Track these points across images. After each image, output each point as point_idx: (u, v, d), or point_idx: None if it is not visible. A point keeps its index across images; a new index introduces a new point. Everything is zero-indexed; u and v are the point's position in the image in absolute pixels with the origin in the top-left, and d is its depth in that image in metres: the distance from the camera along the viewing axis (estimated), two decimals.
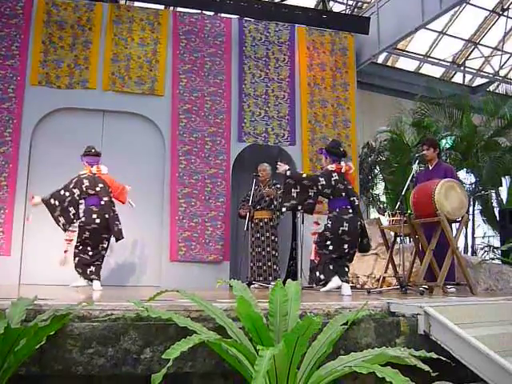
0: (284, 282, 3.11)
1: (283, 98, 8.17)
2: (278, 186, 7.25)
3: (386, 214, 9.12)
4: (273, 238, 7.05)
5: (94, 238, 5.62)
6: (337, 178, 5.21)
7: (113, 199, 5.83)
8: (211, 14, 8.52)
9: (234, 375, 2.86)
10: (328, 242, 5.12)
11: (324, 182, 5.16)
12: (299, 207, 5.26)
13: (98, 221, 5.58)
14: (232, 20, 8.30)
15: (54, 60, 7.50)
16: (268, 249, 7.01)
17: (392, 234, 6.25)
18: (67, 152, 7.22)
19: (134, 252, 7.24)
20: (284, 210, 5.29)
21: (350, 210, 5.16)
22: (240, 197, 7.45)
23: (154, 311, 2.73)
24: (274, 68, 8.24)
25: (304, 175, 5.37)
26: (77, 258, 5.64)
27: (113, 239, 5.81)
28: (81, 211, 5.68)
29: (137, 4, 8.43)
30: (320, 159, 8.03)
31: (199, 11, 8.45)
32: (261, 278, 6.93)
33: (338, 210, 5.17)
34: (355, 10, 11.21)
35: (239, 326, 2.84)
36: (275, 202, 7.05)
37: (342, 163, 5.34)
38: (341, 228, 5.06)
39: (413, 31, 8.63)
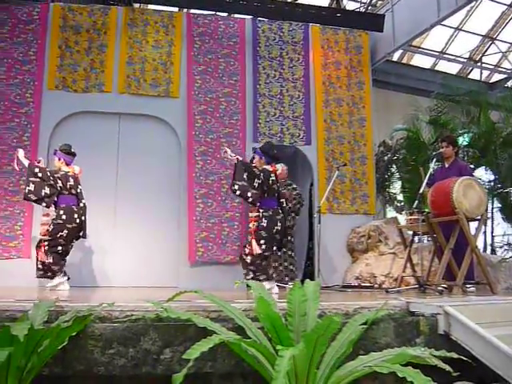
0: (301, 283, 3.11)
1: (298, 98, 8.16)
2: (294, 186, 7.25)
3: (403, 213, 9.11)
4: (289, 238, 7.04)
5: (69, 237, 5.74)
6: (274, 178, 5.35)
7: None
8: (225, 15, 8.55)
9: (254, 375, 2.87)
10: (262, 241, 5.18)
11: (263, 179, 5.25)
12: (249, 194, 5.20)
13: (78, 221, 5.74)
14: (245, 20, 8.30)
15: (70, 64, 7.58)
16: (284, 249, 6.99)
17: (410, 233, 6.22)
18: (84, 155, 7.26)
19: (151, 253, 7.28)
20: (236, 187, 5.22)
21: (280, 211, 5.32)
22: None
23: (174, 312, 2.75)
24: (289, 68, 8.23)
25: (253, 165, 5.45)
26: (52, 256, 5.63)
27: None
28: (60, 210, 5.72)
29: (151, 7, 8.47)
30: (335, 158, 8.09)
31: (213, 12, 8.46)
32: (278, 279, 6.91)
33: (272, 210, 5.29)
34: (369, 7, 11.14)
35: (258, 326, 2.85)
36: (290, 204, 7.04)
37: (278, 166, 5.51)
38: (275, 227, 5.21)
39: (428, 28, 8.54)
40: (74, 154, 6.07)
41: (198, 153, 7.60)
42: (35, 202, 5.78)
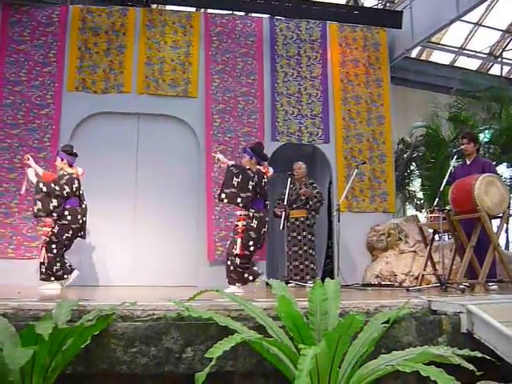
0: (321, 281, 3.10)
1: (316, 96, 8.13)
2: (315, 184, 7.23)
3: (423, 210, 9.03)
4: (309, 236, 7.03)
5: (72, 238, 5.81)
6: (266, 180, 5.34)
7: None
8: (242, 14, 8.55)
9: (275, 374, 2.87)
10: (251, 242, 5.13)
11: (257, 181, 5.21)
12: (238, 200, 5.14)
13: (80, 221, 5.82)
14: (263, 19, 8.30)
15: (89, 65, 7.66)
16: (305, 248, 6.99)
17: (430, 231, 6.16)
18: (104, 155, 7.39)
19: (171, 252, 7.32)
20: (223, 196, 5.17)
21: (266, 213, 5.33)
22: (275, 196, 7.45)
23: (195, 311, 2.77)
24: (307, 66, 8.21)
25: (247, 167, 5.38)
26: (57, 257, 5.69)
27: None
28: (65, 211, 5.77)
29: (168, 7, 8.52)
30: (354, 156, 8.05)
31: (230, 12, 8.49)
32: (298, 278, 6.92)
33: (262, 211, 5.27)
34: (387, 4, 11.05)
35: (279, 324, 2.85)
36: (310, 202, 7.03)
37: (270, 168, 5.48)
38: (263, 229, 5.20)
39: (447, 24, 8.45)
40: (75, 155, 6.15)
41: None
42: (46, 217, 5.83)
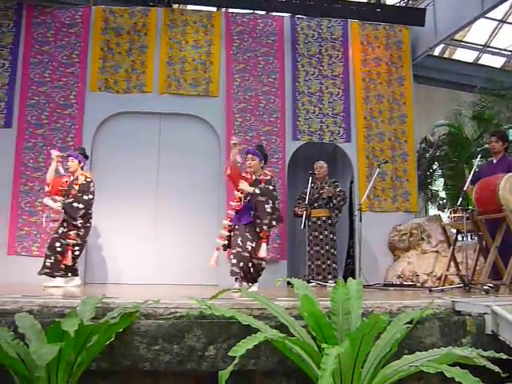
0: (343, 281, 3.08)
1: (338, 95, 8.09)
2: (337, 183, 7.20)
3: (446, 210, 8.92)
4: (331, 236, 7.00)
5: None
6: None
7: None
8: (263, 13, 8.54)
9: (296, 373, 2.87)
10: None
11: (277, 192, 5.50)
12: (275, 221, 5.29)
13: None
14: (284, 18, 8.28)
15: (112, 66, 7.73)
16: (327, 247, 6.96)
17: (453, 231, 6.08)
18: (126, 155, 7.47)
19: (192, 251, 7.35)
20: (274, 223, 5.26)
21: None
22: (295, 195, 7.44)
23: (218, 309, 2.78)
24: (328, 65, 8.17)
25: (258, 172, 5.46)
26: (76, 261, 5.90)
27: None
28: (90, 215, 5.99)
29: (190, 7, 8.56)
30: (376, 155, 7.99)
31: (251, 11, 8.50)
32: (319, 277, 6.90)
33: None
34: (410, 1, 10.95)
35: (301, 324, 2.84)
36: (334, 201, 7.00)
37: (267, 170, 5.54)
38: None
39: (471, 21, 8.34)
40: (87, 157, 6.36)
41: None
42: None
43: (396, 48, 8.49)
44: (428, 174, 9.35)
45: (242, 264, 5.03)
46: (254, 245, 5.14)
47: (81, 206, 5.78)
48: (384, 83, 8.33)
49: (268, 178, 5.37)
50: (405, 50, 8.53)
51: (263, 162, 5.49)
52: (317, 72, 8.13)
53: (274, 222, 5.21)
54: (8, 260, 6.95)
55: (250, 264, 5.14)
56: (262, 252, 5.15)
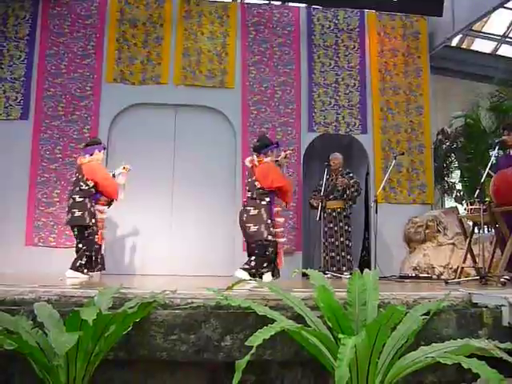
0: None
1: (354, 86, 8.04)
2: (351, 174, 7.17)
3: (462, 202, 8.83)
4: (346, 227, 7.00)
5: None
6: (247, 172, 5.55)
7: (83, 187, 5.72)
8: (279, 3, 8.50)
9: (312, 364, 2.87)
10: None
11: None
12: None
13: (66, 209, 5.83)
14: (300, 9, 8.23)
15: (127, 57, 7.76)
16: (341, 239, 6.96)
17: (470, 223, 6.03)
18: (142, 146, 7.50)
19: (207, 243, 7.39)
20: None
21: (244, 204, 5.43)
22: (311, 187, 7.42)
23: (234, 300, 2.78)
24: (344, 56, 8.12)
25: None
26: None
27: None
28: None
29: None
30: (392, 147, 7.96)
31: (267, 2, 8.46)
32: (334, 269, 6.90)
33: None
34: None
35: (317, 315, 2.84)
36: (348, 192, 6.98)
37: (255, 157, 5.48)
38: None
39: (490, 11, 8.20)
40: (86, 145, 6.24)
41: (252, 143, 7.57)
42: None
43: (413, 38, 8.40)
44: (444, 165, 9.26)
45: None
46: None
47: None
48: (401, 74, 8.26)
49: None
50: (422, 41, 8.44)
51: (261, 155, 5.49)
52: (333, 63, 8.09)
53: None
54: (26, 250, 7.04)
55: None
56: None
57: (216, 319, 2.93)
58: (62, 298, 3.09)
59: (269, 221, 5.21)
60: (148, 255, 7.32)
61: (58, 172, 7.30)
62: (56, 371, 2.53)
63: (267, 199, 5.27)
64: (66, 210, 5.80)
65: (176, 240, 7.40)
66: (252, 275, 4.99)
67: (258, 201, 5.24)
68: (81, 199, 5.66)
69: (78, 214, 5.61)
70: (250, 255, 5.28)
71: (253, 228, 5.15)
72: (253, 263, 5.13)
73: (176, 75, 7.76)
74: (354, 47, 8.17)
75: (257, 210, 5.20)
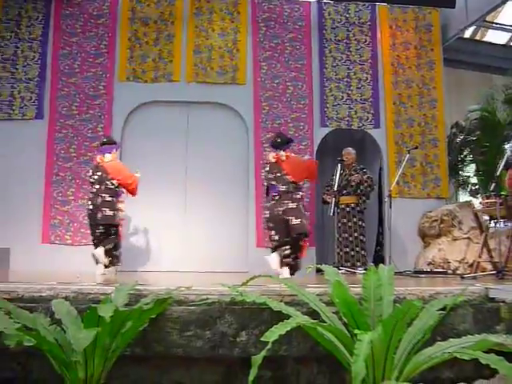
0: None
1: (366, 80, 7.99)
2: (365, 169, 7.14)
3: (477, 196, 8.76)
4: (360, 223, 6.96)
5: (91, 223, 5.96)
6: (268, 168, 5.55)
7: (110, 186, 5.95)
8: None
9: (328, 359, 2.88)
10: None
11: (263, 175, 5.66)
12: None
13: (90, 207, 5.92)
14: (311, 3, 8.19)
15: (139, 55, 7.78)
16: (355, 234, 6.93)
17: (486, 217, 5.98)
18: (155, 144, 7.53)
19: (221, 239, 7.41)
20: None
21: (276, 197, 5.33)
22: (324, 182, 7.40)
23: (249, 296, 2.80)
24: (356, 50, 8.07)
25: None
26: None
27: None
28: None
29: None
30: (405, 141, 7.90)
31: None
32: (348, 264, 6.87)
33: (266, 199, 5.57)
34: None
35: (332, 310, 2.84)
36: (361, 187, 6.95)
37: (281, 152, 5.51)
38: (264, 216, 5.48)
39: (503, 1, 8.10)
40: (102, 144, 6.37)
41: (265, 139, 7.62)
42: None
43: (425, 31, 8.32)
44: (459, 159, 9.18)
45: None
46: None
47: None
48: (413, 67, 8.18)
49: None
50: (434, 33, 8.35)
51: (275, 149, 5.60)
52: (344, 57, 8.04)
53: None
54: (42, 248, 7.11)
55: None
56: None
57: (231, 315, 2.95)
58: (80, 295, 3.13)
59: (307, 213, 5.39)
60: (162, 252, 7.36)
61: (72, 170, 7.36)
62: (74, 367, 2.57)
63: (300, 193, 5.46)
64: (91, 207, 5.90)
65: (190, 236, 7.43)
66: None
67: (293, 194, 5.34)
68: (110, 198, 5.89)
69: (109, 212, 5.82)
70: (278, 246, 5.28)
71: (295, 221, 5.19)
72: (292, 255, 5.23)
73: (188, 72, 7.77)
74: (366, 41, 8.12)
75: (295, 204, 5.29)
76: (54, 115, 7.49)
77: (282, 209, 5.22)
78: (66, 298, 3.03)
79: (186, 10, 7.95)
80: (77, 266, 6.26)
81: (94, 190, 5.96)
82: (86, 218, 6.07)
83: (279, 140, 5.62)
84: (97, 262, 5.72)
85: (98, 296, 3.09)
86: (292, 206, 5.25)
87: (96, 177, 6.00)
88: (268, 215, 5.36)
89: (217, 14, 7.98)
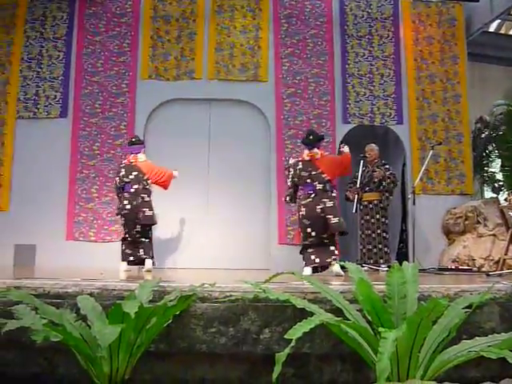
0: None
1: (388, 76, 7.91)
2: (387, 166, 7.08)
3: (502, 192, 8.62)
4: (383, 220, 6.91)
5: (128, 224, 5.98)
6: (301, 166, 5.44)
7: (147, 186, 6.09)
8: None
9: (351, 357, 2.87)
10: (300, 230, 5.43)
11: (292, 172, 5.49)
12: (287, 198, 5.65)
13: (128, 207, 5.94)
14: None
15: (161, 54, 7.83)
16: (378, 231, 6.88)
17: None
18: (177, 141, 7.57)
19: (243, 236, 7.42)
20: (288, 199, 5.64)
21: (313, 195, 5.29)
22: (346, 179, 7.35)
23: (273, 293, 2.80)
24: (378, 45, 7.99)
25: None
26: (123, 244, 6.06)
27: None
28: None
29: None
30: (428, 137, 7.81)
31: None
32: (371, 261, 6.83)
33: (300, 197, 5.43)
34: None
35: (356, 308, 2.82)
36: (384, 183, 6.90)
37: (316, 150, 5.46)
38: (300, 213, 5.35)
39: None
40: (132, 143, 6.37)
41: (287, 136, 7.62)
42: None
43: (449, 25, 8.20)
44: (484, 155, 9.04)
45: None
46: None
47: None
48: (437, 62, 8.08)
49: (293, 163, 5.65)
50: (458, 27, 8.23)
51: (308, 146, 5.56)
52: (367, 53, 7.97)
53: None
54: (67, 245, 7.22)
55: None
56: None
57: (254, 312, 2.95)
58: (104, 291, 3.16)
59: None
60: (185, 250, 7.40)
61: (96, 168, 7.45)
62: (99, 362, 2.60)
63: (335, 191, 5.51)
64: (129, 207, 5.95)
65: (212, 233, 7.45)
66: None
67: (330, 193, 5.37)
68: (148, 198, 6.06)
69: (149, 213, 5.96)
70: (316, 246, 5.30)
71: (334, 219, 5.19)
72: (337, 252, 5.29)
73: (209, 70, 7.79)
74: (388, 36, 8.03)
75: (332, 202, 5.30)
76: (78, 113, 7.60)
77: (320, 207, 5.22)
78: (90, 294, 3.07)
79: (207, 8, 7.97)
80: (100, 263, 6.35)
81: (132, 190, 6.01)
82: (121, 217, 6.03)
83: (311, 137, 5.57)
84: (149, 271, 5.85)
85: (122, 292, 3.13)
86: (330, 204, 5.26)
87: (132, 176, 6.06)
88: (304, 213, 5.31)
89: (238, 12, 7.99)
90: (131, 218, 5.94)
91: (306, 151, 5.53)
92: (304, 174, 5.39)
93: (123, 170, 6.12)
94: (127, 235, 6.03)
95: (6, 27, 7.79)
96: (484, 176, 9.18)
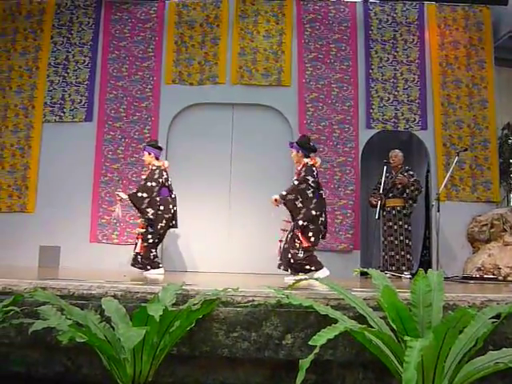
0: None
1: (413, 81, 7.84)
2: (411, 172, 7.01)
3: None
4: (406, 226, 6.84)
5: (166, 228, 6.06)
6: (316, 172, 5.53)
7: (173, 192, 6.31)
8: None
9: (374, 365, 2.83)
10: (310, 234, 5.42)
11: (312, 178, 5.44)
12: (313, 212, 5.39)
13: (172, 211, 6.07)
14: (356, 3, 8.10)
15: (185, 59, 7.89)
16: (401, 238, 6.81)
17: None
18: (200, 146, 7.62)
19: (265, 241, 7.38)
20: (301, 223, 5.40)
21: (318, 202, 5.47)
22: (370, 185, 7.31)
23: (296, 298, 2.78)
24: (403, 50, 7.93)
25: (291, 185, 5.58)
26: (152, 251, 6.01)
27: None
28: (157, 202, 6.05)
29: None
30: (453, 143, 7.70)
31: None
32: (393, 268, 6.76)
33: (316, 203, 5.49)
34: None
35: (379, 315, 2.79)
36: (407, 190, 6.83)
37: (317, 158, 5.63)
38: (321, 220, 5.46)
39: None
40: (161, 148, 6.48)
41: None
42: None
43: (476, 30, 8.10)
44: (511, 162, 8.88)
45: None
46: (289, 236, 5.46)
47: (144, 194, 6.01)
48: (462, 67, 7.98)
49: (302, 168, 5.56)
50: (485, 32, 8.12)
51: (301, 151, 5.62)
52: (391, 58, 7.92)
53: (307, 215, 5.37)
54: (91, 247, 7.31)
55: (288, 255, 5.40)
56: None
57: (277, 317, 2.94)
58: (128, 293, 3.18)
59: None
60: (207, 253, 7.41)
61: (120, 171, 7.53)
62: (123, 364, 2.62)
63: None
64: (173, 210, 6.14)
65: (234, 238, 7.47)
66: None
67: None
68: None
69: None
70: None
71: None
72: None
73: (233, 75, 7.83)
74: (413, 41, 7.97)
75: None
76: (103, 117, 7.69)
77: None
78: (114, 296, 3.09)
79: (231, 13, 8.01)
80: (123, 265, 6.41)
81: (173, 196, 6.23)
82: (164, 221, 6.02)
83: (312, 144, 5.81)
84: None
85: (146, 295, 3.14)
86: None
87: (170, 182, 6.26)
88: (323, 218, 5.50)
89: (262, 17, 8.01)
90: (170, 221, 6.09)
91: (317, 158, 5.72)
92: (318, 180, 5.58)
93: (165, 173, 6.22)
94: (157, 240, 6.07)
95: (34, 33, 7.95)
96: (511, 183, 9.02)
